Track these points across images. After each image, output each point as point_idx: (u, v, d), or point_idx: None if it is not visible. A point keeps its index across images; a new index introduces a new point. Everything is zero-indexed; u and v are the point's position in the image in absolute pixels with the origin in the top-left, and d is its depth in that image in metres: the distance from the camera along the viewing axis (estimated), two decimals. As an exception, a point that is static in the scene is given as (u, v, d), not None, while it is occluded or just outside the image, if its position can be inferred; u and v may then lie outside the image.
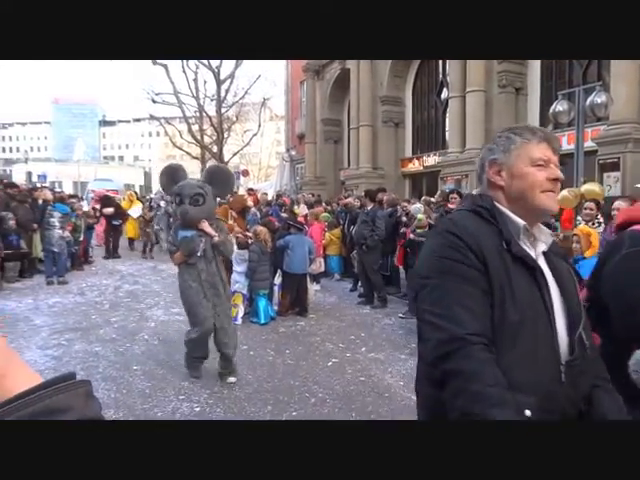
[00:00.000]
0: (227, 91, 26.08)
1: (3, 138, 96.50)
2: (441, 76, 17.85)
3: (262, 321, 6.75)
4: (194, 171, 23.87)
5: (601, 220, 5.73)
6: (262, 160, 45.27)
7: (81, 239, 11.21)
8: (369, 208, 8.24)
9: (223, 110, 26.31)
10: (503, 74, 13.94)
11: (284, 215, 10.02)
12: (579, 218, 6.14)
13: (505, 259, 1.25)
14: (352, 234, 8.59)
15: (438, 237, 1.33)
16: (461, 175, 14.19)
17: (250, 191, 14.51)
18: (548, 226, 3.38)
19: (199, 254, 4.46)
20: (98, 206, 13.37)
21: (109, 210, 12.99)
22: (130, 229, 14.61)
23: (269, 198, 13.96)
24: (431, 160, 17.80)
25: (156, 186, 39.16)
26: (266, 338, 6.17)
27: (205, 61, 24.78)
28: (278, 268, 7.45)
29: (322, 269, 9.26)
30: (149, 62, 25.85)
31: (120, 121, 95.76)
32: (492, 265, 1.23)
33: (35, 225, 9.85)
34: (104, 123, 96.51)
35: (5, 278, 9.15)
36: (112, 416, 3.87)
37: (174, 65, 30.58)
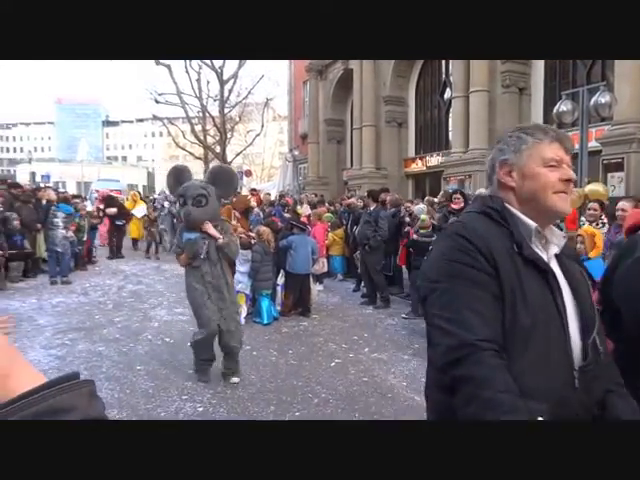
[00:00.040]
0: (230, 91, 26.14)
1: (7, 138, 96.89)
2: (444, 76, 17.82)
3: (265, 321, 6.76)
4: (197, 171, 23.86)
5: (605, 221, 5.70)
6: (265, 160, 45.33)
7: (85, 239, 11.25)
8: (372, 208, 8.24)
9: (226, 110, 26.35)
10: (507, 74, 13.90)
11: (287, 215, 10.03)
12: (583, 219, 6.12)
13: (516, 262, 1.22)
14: (355, 234, 8.58)
15: (447, 240, 1.31)
16: (464, 175, 14.16)
17: (253, 191, 14.51)
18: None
19: (202, 257, 4.45)
20: (102, 206, 13.41)
21: (112, 210, 13.02)
22: (134, 229, 14.58)
23: (272, 198, 13.97)
24: (434, 160, 17.77)
25: (159, 186, 39.28)
26: (269, 338, 6.17)
27: (208, 61, 24.85)
28: (281, 268, 7.45)
29: (325, 269, 9.27)
30: (152, 62, 25.90)
31: (123, 121, 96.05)
32: (503, 268, 1.20)
33: (39, 225, 9.88)
34: (107, 123, 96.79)
35: (9, 278, 9.19)
36: (115, 416, 3.88)
37: (177, 65, 30.68)
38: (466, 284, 1.20)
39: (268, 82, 38.49)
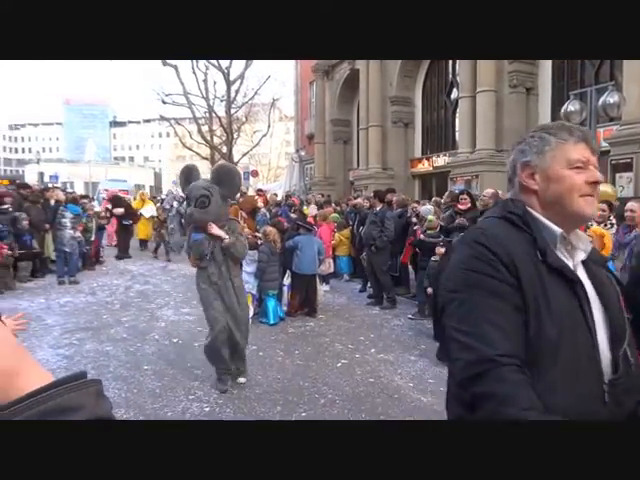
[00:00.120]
0: (237, 92, 26.24)
1: (15, 139, 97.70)
2: (451, 76, 17.79)
3: (271, 321, 6.77)
4: (204, 171, 23.95)
5: (614, 221, 5.67)
6: (271, 161, 45.41)
7: (92, 239, 11.30)
8: (378, 209, 8.22)
9: (233, 111, 26.45)
10: (514, 74, 13.85)
11: (293, 216, 10.02)
12: (591, 219, 6.08)
13: (540, 270, 1.15)
14: (361, 235, 8.57)
15: (465, 248, 1.23)
16: (471, 176, 14.11)
17: (259, 192, 14.53)
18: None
19: (207, 257, 4.46)
20: (109, 206, 13.46)
21: (119, 210, 13.07)
22: (142, 230, 14.54)
23: (278, 199, 13.97)
24: (441, 160, 17.74)
25: (166, 187, 39.41)
26: (275, 339, 6.18)
27: (215, 62, 24.97)
28: (287, 269, 7.46)
29: (331, 270, 9.27)
30: (159, 63, 26.06)
31: (130, 122, 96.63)
32: (525, 277, 1.14)
33: (47, 225, 9.95)
34: (115, 124, 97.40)
35: (17, 278, 9.25)
36: (122, 415, 3.89)
37: (184, 66, 30.84)
38: (485, 295, 1.14)
39: (274, 83, 38.77)
